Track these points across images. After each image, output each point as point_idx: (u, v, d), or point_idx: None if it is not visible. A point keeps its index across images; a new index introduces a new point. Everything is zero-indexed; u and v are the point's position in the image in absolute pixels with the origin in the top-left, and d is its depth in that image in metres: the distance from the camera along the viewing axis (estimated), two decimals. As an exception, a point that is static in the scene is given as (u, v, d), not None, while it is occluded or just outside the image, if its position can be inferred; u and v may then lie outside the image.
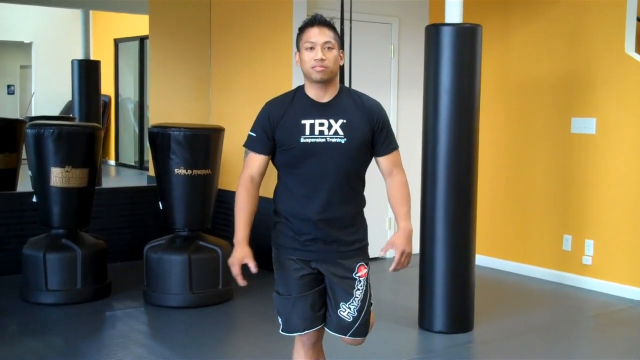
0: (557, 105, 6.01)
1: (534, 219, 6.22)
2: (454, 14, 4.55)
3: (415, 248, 4.91)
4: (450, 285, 4.62)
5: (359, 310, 2.90)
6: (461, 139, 4.52)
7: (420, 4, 6.86)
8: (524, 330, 4.86)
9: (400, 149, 2.95)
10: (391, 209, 2.93)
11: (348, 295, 2.88)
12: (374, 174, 3.02)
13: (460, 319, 4.71)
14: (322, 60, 2.71)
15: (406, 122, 6.64)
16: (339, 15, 5.02)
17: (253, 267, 2.73)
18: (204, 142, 5.25)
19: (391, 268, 2.81)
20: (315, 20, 2.77)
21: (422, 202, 4.68)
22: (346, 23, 5.00)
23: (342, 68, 4.87)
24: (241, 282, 2.75)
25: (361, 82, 5.32)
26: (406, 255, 2.82)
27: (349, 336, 2.92)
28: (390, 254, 2.85)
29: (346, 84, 4.91)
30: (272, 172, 2.92)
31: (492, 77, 6.34)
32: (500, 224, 6.47)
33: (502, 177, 6.44)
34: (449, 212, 4.55)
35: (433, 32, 4.54)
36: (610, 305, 5.42)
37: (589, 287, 5.80)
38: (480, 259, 6.11)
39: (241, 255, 2.74)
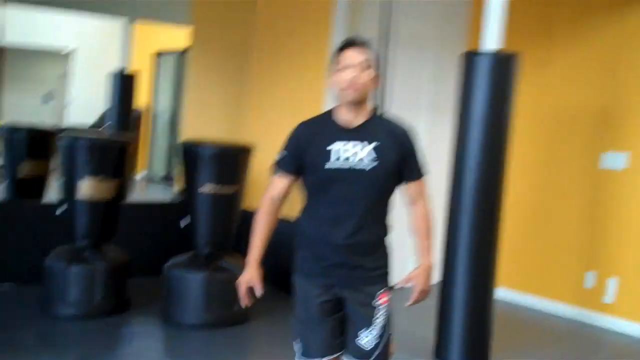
0: (590, 138, 5.84)
1: (557, 254, 6.03)
2: (491, 41, 4.43)
3: (435, 277, 4.82)
4: (468, 316, 4.46)
5: (379, 338, 2.85)
6: (489, 170, 4.37)
7: (459, 30, 6.73)
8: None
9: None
10: (414, 239, 2.92)
11: (368, 323, 2.84)
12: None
13: (477, 351, 4.55)
14: (355, 78, 2.68)
15: (435, 149, 6.48)
16: (376, 37, 4.94)
17: (258, 291, 2.81)
18: (231, 160, 5.20)
19: (407, 304, 2.85)
20: (353, 42, 2.75)
21: (445, 231, 4.55)
22: (388, 50, 4.90)
23: (382, 93, 4.80)
24: (244, 303, 2.84)
25: (395, 106, 5.24)
26: (424, 292, 2.87)
27: None
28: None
29: (386, 108, 4.82)
30: (295, 195, 2.88)
31: (526, 106, 6.16)
32: (523, 257, 6.26)
33: (528, 208, 6.25)
34: (472, 243, 4.41)
35: (468, 60, 4.43)
36: (631, 346, 5.28)
37: (610, 326, 5.63)
38: (500, 291, 5.93)
39: (249, 277, 2.83)
